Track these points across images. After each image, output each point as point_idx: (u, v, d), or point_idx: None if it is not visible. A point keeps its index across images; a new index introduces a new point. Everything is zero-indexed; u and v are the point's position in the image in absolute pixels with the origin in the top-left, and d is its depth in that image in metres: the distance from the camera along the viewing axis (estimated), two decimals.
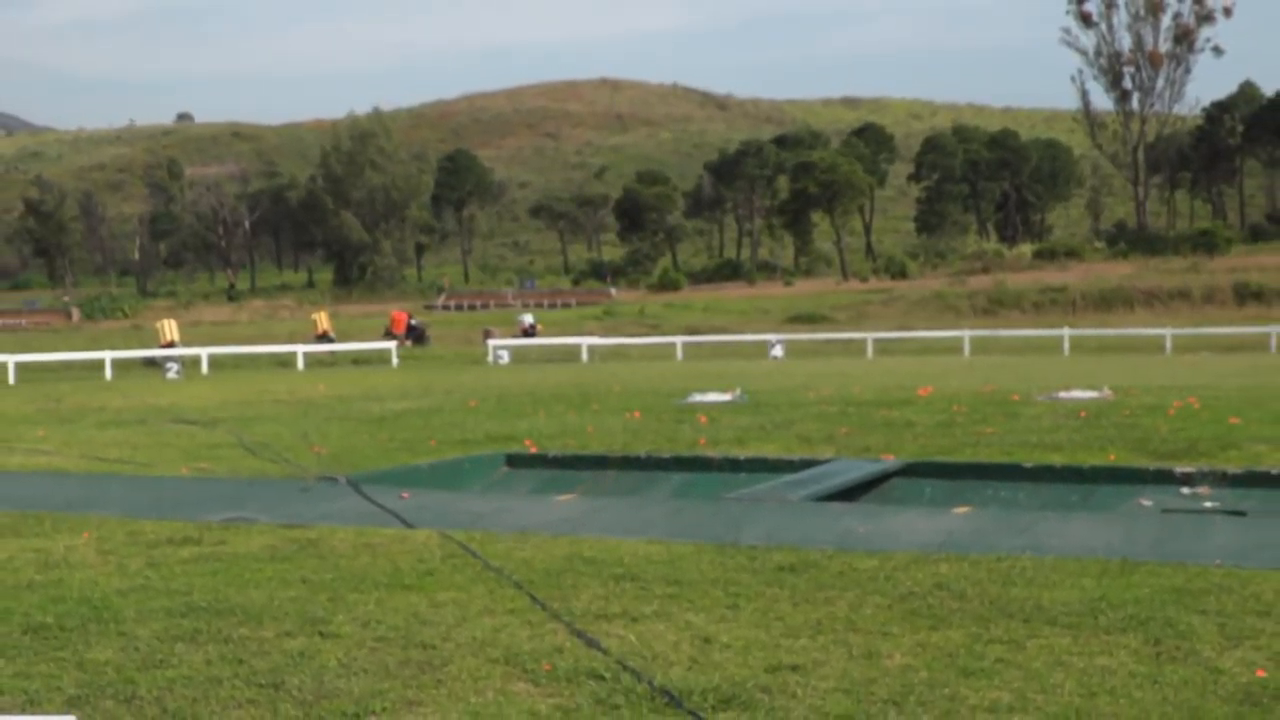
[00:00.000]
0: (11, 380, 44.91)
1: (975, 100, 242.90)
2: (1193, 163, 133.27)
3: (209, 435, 24.31)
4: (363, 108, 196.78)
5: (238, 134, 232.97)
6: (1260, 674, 7.67)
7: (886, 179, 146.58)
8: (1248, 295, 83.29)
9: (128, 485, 17.35)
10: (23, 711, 6.79)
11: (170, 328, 62.59)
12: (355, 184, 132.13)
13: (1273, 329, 58.75)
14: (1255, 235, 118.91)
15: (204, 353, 53.88)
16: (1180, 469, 17.17)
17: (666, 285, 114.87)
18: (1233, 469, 16.86)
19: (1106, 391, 29.16)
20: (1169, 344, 57.80)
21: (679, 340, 62.99)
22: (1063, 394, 28.54)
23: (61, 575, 11.09)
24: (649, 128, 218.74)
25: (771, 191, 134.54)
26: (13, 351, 53.18)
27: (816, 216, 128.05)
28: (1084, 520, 13.69)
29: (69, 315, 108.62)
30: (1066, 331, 62.13)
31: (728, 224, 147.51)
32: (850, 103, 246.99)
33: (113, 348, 56.74)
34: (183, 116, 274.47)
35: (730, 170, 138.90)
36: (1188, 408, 24.82)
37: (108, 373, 48.95)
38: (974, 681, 7.69)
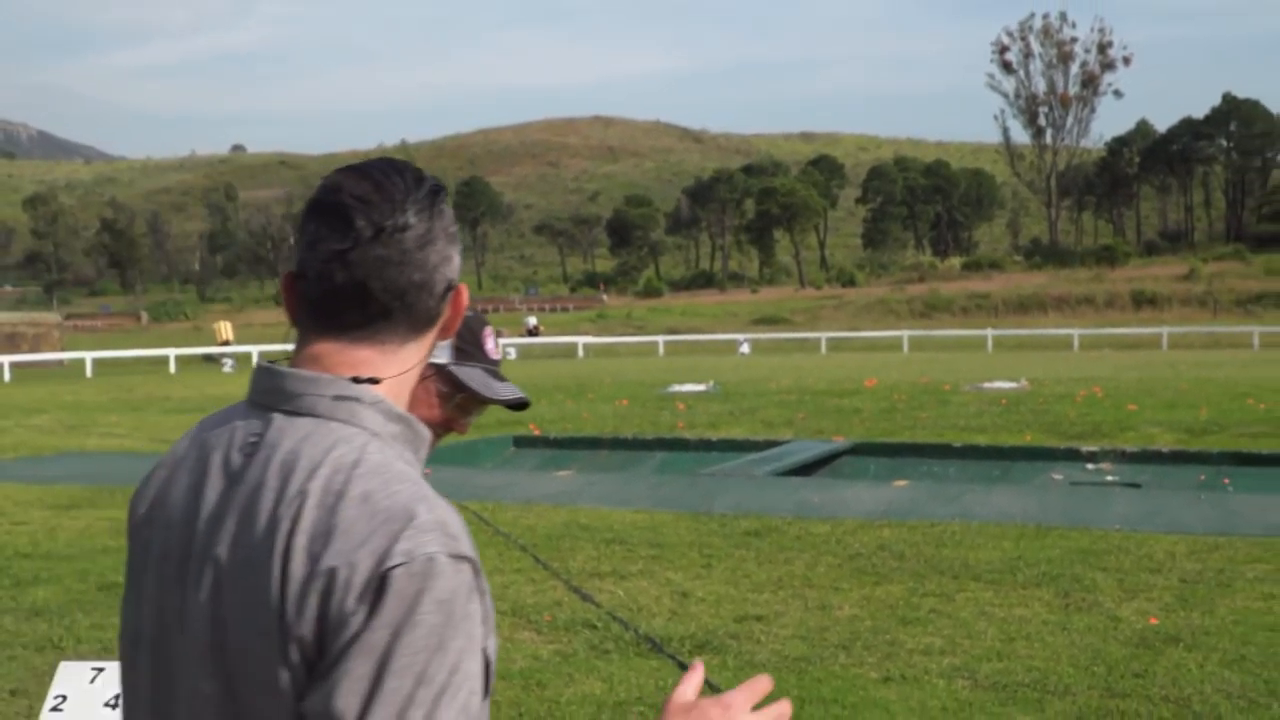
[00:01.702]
0: (89, 374, 44.80)
1: (913, 135, 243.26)
2: (1097, 188, 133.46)
3: None
4: (391, 140, 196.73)
5: (284, 162, 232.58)
6: (1153, 621, 7.70)
7: (838, 202, 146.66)
8: (1143, 301, 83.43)
9: None
10: (98, 658, 6.78)
11: (226, 328, 62.51)
12: None
13: (1164, 329, 58.91)
14: (1149, 250, 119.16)
15: (255, 350, 53.73)
16: (1086, 448, 17.21)
17: (650, 292, 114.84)
18: (1130, 448, 16.92)
19: (1023, 382, 29.22)
20: (1076, 342, 57.91)
21: (661, 339, 63.01)
22: (986, 385, 28.59)
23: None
24: (636, 158, 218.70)
25: (740, 212, 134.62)
26: (90, 349, 53.14)
27: (778, 233, 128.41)
28: (1004, 491, 13.71)
29: (139, 318, 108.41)
30: (990, 332, 62.22)
31: (702, 240, 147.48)
32: (807, 137, 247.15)
33: (176, 346, 56.68)
34: (237, 147, 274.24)
35: (705, 194, 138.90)
36: (1092, 396, 24.89)
37: (172, 367, 48.87)
38: (911, 629, 7.71)
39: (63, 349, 54.22)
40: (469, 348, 2.56)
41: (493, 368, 2.60)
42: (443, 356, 2.52)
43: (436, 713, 1.42)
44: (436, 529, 1.49)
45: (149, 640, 1.62)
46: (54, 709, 5.78)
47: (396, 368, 1.68)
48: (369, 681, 1.43)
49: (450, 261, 1.69)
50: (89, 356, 47.75)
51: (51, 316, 64.58)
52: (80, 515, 12.57)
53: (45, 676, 6.35)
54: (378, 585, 1.45)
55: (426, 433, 1.70)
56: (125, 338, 78.73)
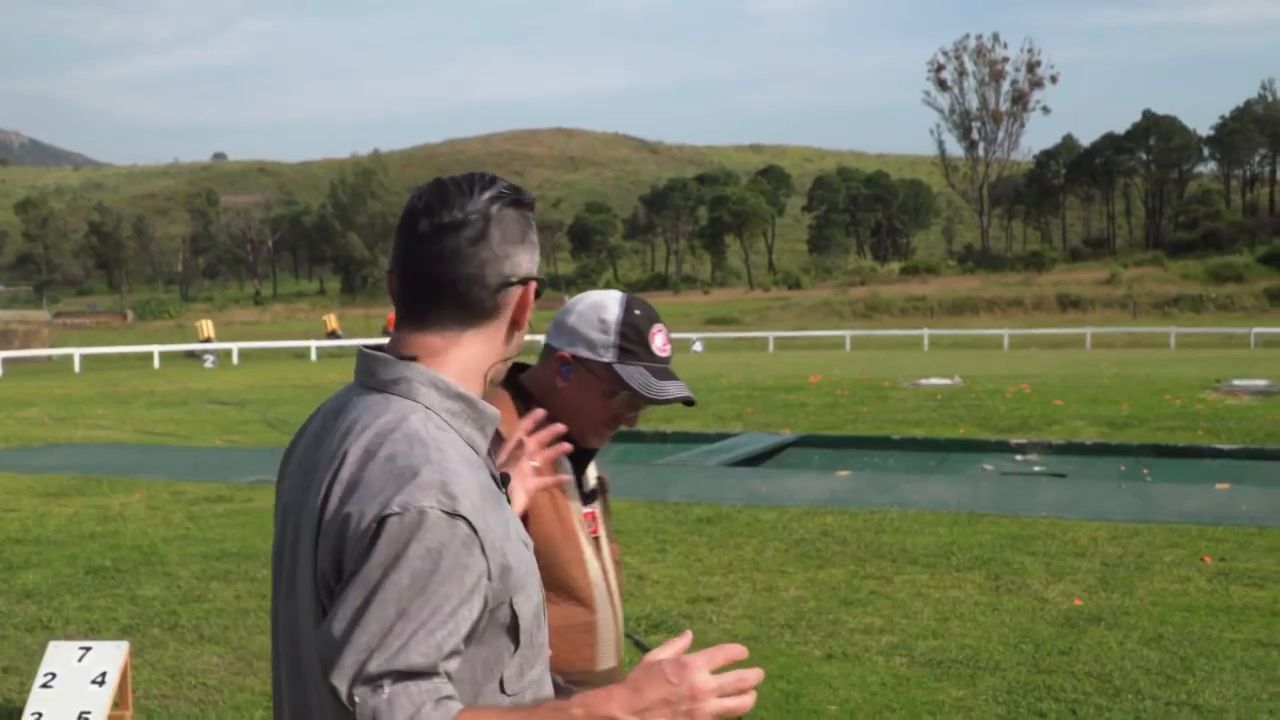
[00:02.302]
0: (77, 369, 44.35)
1: (855, 148, 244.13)
2: (1026, 198, 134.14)
3: (239, 413, 24.13)
4: (364, 149, 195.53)
5: (263, 170, 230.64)
6: (1077, 602, 7.75)
7: (785, 209, 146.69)
8: (1068, 303, 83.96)
9: (172, 454, 17.21)
10: (85, 638, 6.72)
11: (207, 326, 62.00)
12: (358, 211, 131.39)
13: (1087, 330, 59.35)
14: (1074, 256, 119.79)
15: (235, 347, 53.30)
16: (1015, 440, 17.31)
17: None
18: (1056, 440, 17.02)
19: (957, 379, 29.36)
20: (1006, 342, 58.23)
21: None
22: (923, 381, 28.71)
23: (117, 527, 11.01)
24: (595, 167, 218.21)
25: (693, 219, 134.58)
26: (78, 345, 52.62)
27: (729, 239, 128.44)
28: (939, 481, 13.78)
29: (124, 316, 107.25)
30: (926, 332, 62.49)
31: (658, 245, 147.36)
32: (756, 149, 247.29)
33: (160, 343, 56.09)
34: (218, 155, 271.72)
35: (660, 202, 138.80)
36: (1021, 392, 25.04)
37: (156, 363, 48.41)
38: (852, 609, 7.74)
39: (52, 345, 53.59)
40: (634, 346, 2.47)
41: (659, 365, 2.50)
42: (608, 355, 2.46)
43: (411, 643, 1.58)
44: (435, 487, 1.65)
45: (273, 570, 1.86)
46: (44, 685, 5.73)
47: (459, 352, 1.84)
48: (357, 609, 1.60)
49: (508, 259, 1.85)
50: (77, 353, 47.23)
51: (41, 314, 63.86)
52: (69, 503, 12.47)
53: (35, 655, 6.29)
54: (375, 530, 1.63)
55: (493, 411, 1.85)
56: (112, 335, 77.88)
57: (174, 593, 8.38)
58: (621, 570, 2.67)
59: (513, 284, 1.86)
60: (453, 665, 1.64)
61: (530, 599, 1.78)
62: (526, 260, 1.88)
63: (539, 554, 2.29)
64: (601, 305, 2.52)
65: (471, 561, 1.64)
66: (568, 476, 2.45)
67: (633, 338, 2.46)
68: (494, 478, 1.83)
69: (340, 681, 1.59)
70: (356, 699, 1.58)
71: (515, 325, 1.90)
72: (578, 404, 2.50)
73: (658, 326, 2.51)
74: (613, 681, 2.27)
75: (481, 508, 1.69)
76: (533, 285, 1.89)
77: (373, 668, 1.58)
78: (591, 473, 2.64)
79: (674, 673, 1.65)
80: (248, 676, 6.52)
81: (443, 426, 1.76)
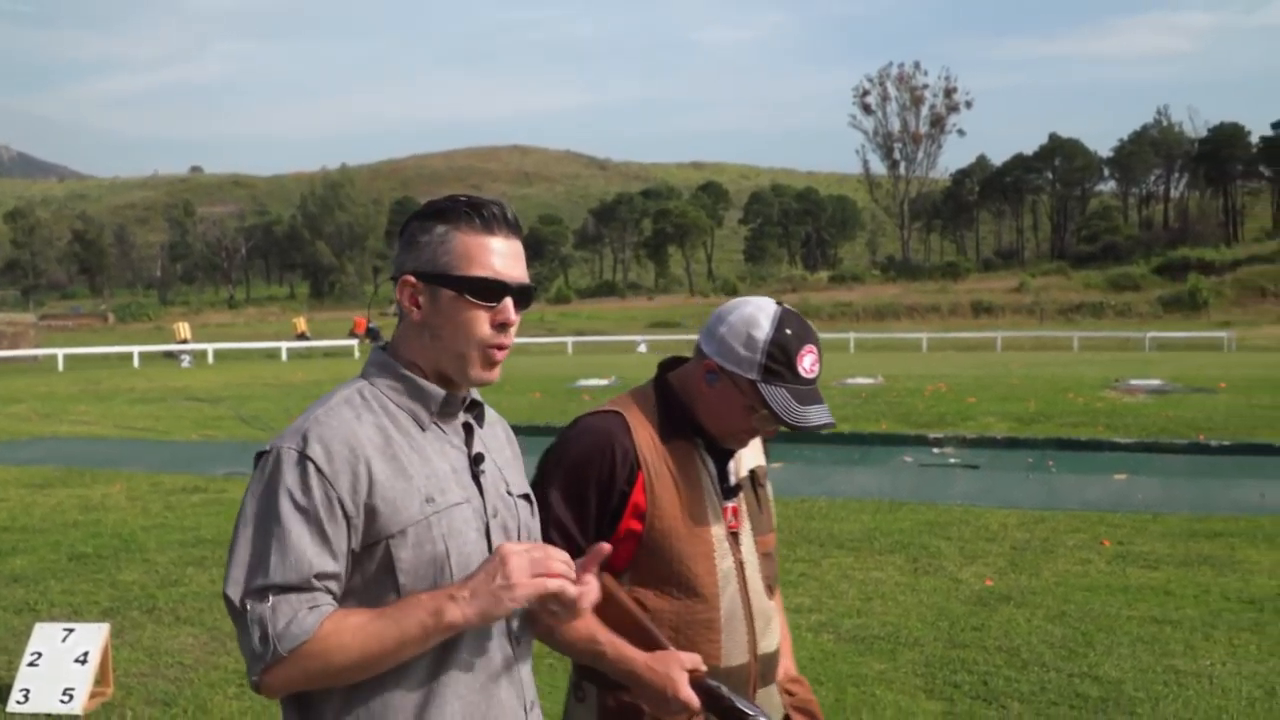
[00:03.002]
0: (61, 368, 43.71)
1: (787, 166, 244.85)
2: (943, 213, 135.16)
3: (214, 410, 23.88)
4: (333, 163, 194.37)
5: (237, 182, 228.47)
6: (988, 582, 7.81)
7: (723, 222, 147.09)
8: (980, 309, 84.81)
9: (150, 447, 17.00)
10: (68, 620, 6.62)
11: (184, 328, 61.36)
12: (327, 221, 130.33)
13: (998, 334, 59.92)
14: (986, 266, 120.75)
15: (210, 347, 52.77)
16: (932, 435, 17.43)
17: (560, 299, 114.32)
18: (969, 434, 17.16)
19: (880, 379, 29.53)
20: (925, 344, 58.66)
21: (570, 340, 62.87)
22: (849, 380, 28.86)
23: (99, 516, 10.86)
24: (548, 182, 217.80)
25: (639, 230, 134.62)
26: (62, 346, 51.89)
27: (672, 249, 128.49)
28: (863, 472, 13.86)
29: (106, 319, 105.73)
30: (852, 335, 62.82)
31: (606, 254, 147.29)
32: (697, 166, 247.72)
33: (139, 344, 55.36)
34: (195, 168, 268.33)
35: (608, 214, 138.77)
36: (938, 391, 25.21)
37: (135, 362, 47.79)
38: (784, 590, 7.74)
39: (37, 346, 52.78)
40: (780, 367, 2.30)
41: (803, 388, 2.32)
42: (753, 373, 2.30)
43: (277, 561, 1.80)
44: (299, 434, 1.87)
45: None
46: (30, 664, 5.65)
47: (401, 338, 2.01)
48: (235, 531, 1.87)
49: (399, 257, 2.00)
50: (61, 353, 46.57)
51: (28, 317, 62.89)
52: (53, 493, 12.29)
53: (22, 636, 6.19)
54: (253, 467, 1.91)
55: (434, 391, 1.97)
56: (94, 336, 76.81)
57: (152, 577, 8.28)
58: (773, 562, 2.52)
59: (393, 278, 2.00)
60: (333, 585, 1.83)
61: (418, 549, 1.87)
62: (410, 259, 1.98)
63: (659, 548, 2.35)
64: (753, 320, 2.34)
65: (317, 495, 1.82)
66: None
67: (779, 358, 2.30)
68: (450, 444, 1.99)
69: (232, 592, 1.82)
70: (247, 607, 1.80)
71: (410, 316, 1.98)
72: (720, 411, 2.37)
73: (808, 348, 2.33)
74: (744, 679, 2.40)
75: (350, 457, 1.85)
76: (407, 278, 1.97)
77: (257, 582, 1.80)
78: (743, 466, 2.47)
79: (496, 561, 1.84)
80: (222, 656, 6.45)
81: (375, 397, 1.96)
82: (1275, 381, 27.38)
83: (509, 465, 2.11)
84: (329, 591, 1.83)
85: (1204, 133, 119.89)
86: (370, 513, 1.84)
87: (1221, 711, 5.35)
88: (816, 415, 2.30)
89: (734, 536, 2.40)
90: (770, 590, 2.49)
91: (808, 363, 2.31)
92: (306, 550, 1.80)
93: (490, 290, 1.94)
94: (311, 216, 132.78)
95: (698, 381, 2.39)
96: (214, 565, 8.60)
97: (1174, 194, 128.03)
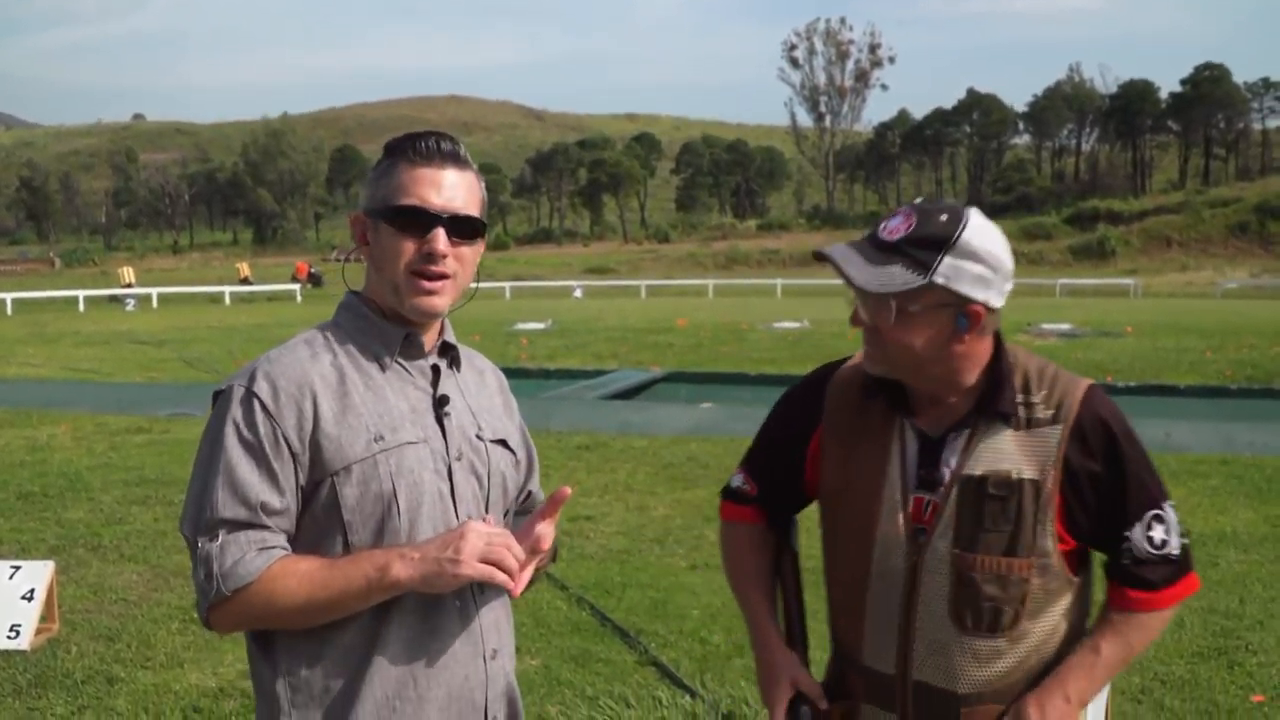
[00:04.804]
0: (9, 312, 42.79)
1: (718, 118, 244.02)
2: (866, 164, 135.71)
3: (158, 352, 23.53)
4: (274, 111, 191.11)
5: (179, 130, 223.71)
6: None
7: (656, 172, 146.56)
8: None
9: (96, 389, 16.70)
10: (15, 558, 6.50)
11: (129, 273, 60.37)
12: (269, 168, 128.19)
13: None
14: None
15: (154, 292, 51.81)
16: None
17: (498, 246, 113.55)
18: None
19: (806, 322, 29.72)
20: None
21: (507, 285, 62.57)
22: (777, 324, 29.02)
23: (45, 456, 10.68)
24: (486, 132, 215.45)
25: (574, 179, 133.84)
26: (10, 290, 50.74)
27: (606, 197, 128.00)
28: None
29: (52, 263, 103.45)
30: (779, 281, 63.10)
31: (543, 202, 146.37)
32: (631, 117, 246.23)
33: (85, 288, 54.18)
34: (137, 116, 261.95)
35: (545, 164, 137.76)
36: (860, 334, 25.41)
37: (81, 306, 46.86)
38: (714, 525, 7.77)
39: None
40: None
41: (862, 244, 1.97)
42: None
43: (193, 479, 1.81)
44: (247, 372, 1.84)
45: None
46: None
47: (369, 279, 1.97)
48: (192, 469, 1.84)
49: (362, 195, 1.95)
50: (9, 297, 45.53)
51: None
52: (0, 434, 12.05)
53: None
54: (212, 403, 1.88)
55: (394, 330, 1.92)
56: (40, 280, 75.06)
57: (97, 516, 8.16)
58: (992, 599, 1.92)
59: (352, 214, 1.96)
60: (283, 523, 1.80)
61: (363, 486, 1.82)
62: (365, 195, 1.94)
63: (826, 507, 2.13)
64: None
65: (262, 430, 1.78)
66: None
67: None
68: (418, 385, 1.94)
69: (185, 529, 1.81)
70: (198, 544, 1.77)
71: (364, 253, 1.95)
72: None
73: (899, 212, 1.97)
74: (887, 691, 2.03)
75: (297, 393, 1.81)
76: (355, 215, 1.94)
77: (206, 517, 1.77)
78: (973, 463, 1.93)
79: (455, 534, 1.79)
80: (165, 592, 6.37)
81: (337, 337, 1.92)
82: (1178, 326, 27.93)
83: (491, 411, 2.05)
84: (280, 530, 1.80)
85: (1114, 89, 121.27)
86: (316, 449, 1.80)
87: None
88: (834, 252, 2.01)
89: (918, 534, 1.95)
90: (973, 626, 1.92)
91: (884, 223, 1.96)
92: (253, 485, 1.77)
93: (414, 219, 1.86)
94: (253, 164, 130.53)
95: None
96: (157, 504, 8.48)
97: (1085, 147, 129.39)
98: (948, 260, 1.85)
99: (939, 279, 1.85)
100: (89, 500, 8.66)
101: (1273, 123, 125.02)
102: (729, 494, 2.28)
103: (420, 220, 1.86)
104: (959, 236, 1.87)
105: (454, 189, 1.88)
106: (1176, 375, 17.15)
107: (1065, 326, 26.76)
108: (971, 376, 1.96)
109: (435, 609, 1.86)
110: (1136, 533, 1.94)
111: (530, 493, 2.09)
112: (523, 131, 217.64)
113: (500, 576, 1.79)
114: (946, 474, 1.95)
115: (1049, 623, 1.95)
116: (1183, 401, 14.78)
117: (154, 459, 10.39)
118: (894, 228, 1.91)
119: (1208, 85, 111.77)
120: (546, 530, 1.92)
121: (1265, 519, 7.87)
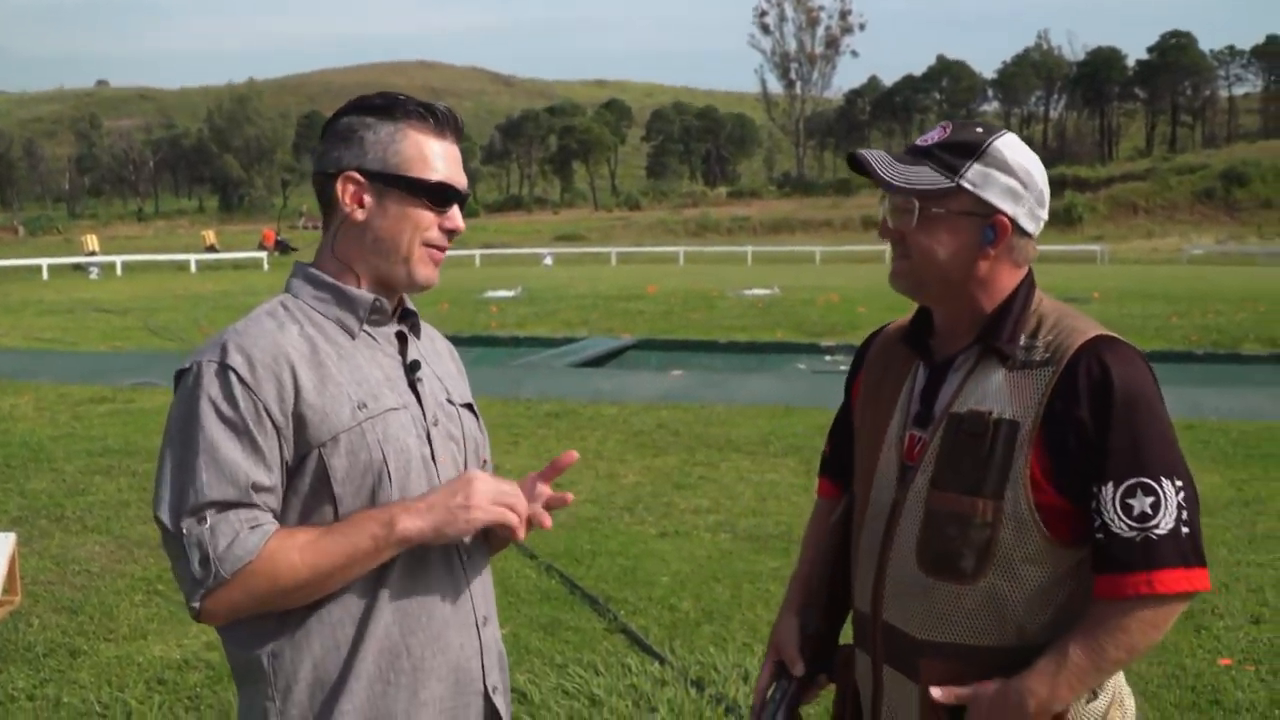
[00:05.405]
0: None
1: (689, 84, 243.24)
2: (836, 131, 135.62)
3: (122, 321, 23.31)
4: (239, 77, 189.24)
5: (144, 96, 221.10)
6: None
7: (626, 139, 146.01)
8: (872, 224, 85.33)
9: (59, 359, 16.51)
10: None
11: (93, 240, 59.81)
12: (235, 135, 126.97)
13: (887, 248, 60.42)
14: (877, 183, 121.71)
15: (119, 259, 51.24)
16: (824, 343, 17.60)
17: (468, 214, 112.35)
18: (859, 342, 17.33)
19: (776, 289, 29.73)
20: (818, 257, 59.16)
21: (477, 253, 62.30)
22: (746, 292, 29.01)
23: (7, 426, 10.55)
24: (455, 98, 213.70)
25: (544, 146, 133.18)
26: None
27: (576, 165, 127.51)
28: (760, 379, 13.93)
29: (16, 231, 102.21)
30: (750, 248, 63.11)
31: (513, 169, 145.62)
32: (601, 84, 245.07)
33: (49, 256, 53.52)
34: (101, 82, 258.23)
35: (514, 131, 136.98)
36: (830, 301, 25.46)
37: (44, 274, 46.31)
38: (683, 492, 7.77)
39: None
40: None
41: (897, 152, 1.91)
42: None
43: (165, 464, 1.70)
44: (215, 347, 1.75)
45: None
46: None
47: (327, 245, 1.88)
48: (160, 451, 1.74)
49: (331, 153, 1.85)
50: None
51: None
52: None
53: None
54: (174, 385, 1.78)
55: (364, 297, 1.85)
56: (3, 248, 74.12)
57: (60, 486, 8.06)
58: (957, 540, 1.80)
59: (329, 174, 1.85)
60: (271, 501, 1.71)
61: (352, 456, 1.76)
62: (350, 156, 1.85)
63: (857, 439, 2.07)
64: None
65: (243, 405, 1.70)
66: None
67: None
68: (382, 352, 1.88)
69: (164, 515, 1.69)
70: (184, 529, 1.67)
71: (351, 218, 1.85)
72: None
73: (941, 126, 1.94)
74: (865, 631, 1.98)
75: (274, 364, 1.73)
76: (351, 174, 1.84)
77: (191, 501, 1.67)
78: (964, 399, 1.85)
79: (461, 481, 1.78)
80: (128, 564, 6.29)
81: (299, 308, 1.84)
82: (1145, 292, 28.11)
83: (450, 376, 2.02)
84: (268, 508, 1.71)
85: (1082, 56, 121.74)
86: (299, 421, 1.73)
87: None
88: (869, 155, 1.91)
89: (906, 472, 1.90)
90: (934, 568, 1.83)
91: (925, 134, 1.92)
92: (240, 463, 1.68)
93: (444, 195, 1.87)
94: (219, 130, 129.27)
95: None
96: (121, 475, 8.38)
97: (1053, 114, 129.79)
98: (977, 167, 1.83)
99: (966, 184, 1.82)
100: (52, 471, 8.55)
101: (1239, 90, 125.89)
102: (820, 466, 2.29)
103: (447, 196, 1.87)
104: (990, 144, 1.85)
105: (460, 164, 1.92)
106: (1143, 341, 17.24)
107: (1052, 298, 26.88)
108: (990, 304, 1.89)
109: (425, 576, 1.81)
110: (1108, 493, 1.73)
111: (485, 461, 2.03)
112: (492, 98, 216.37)
113: (512, 518, 1.79)
114: (939, 411, 1.88)
115: (1026, 591, 1.79)
116: None
117: (117, 429, 10.27)
118: (929, 136, 1.90)
119: (1174, 53, 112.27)
120: (544, 490, 1.94)
121: (1231, 483, 7.92)
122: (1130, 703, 1.91)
